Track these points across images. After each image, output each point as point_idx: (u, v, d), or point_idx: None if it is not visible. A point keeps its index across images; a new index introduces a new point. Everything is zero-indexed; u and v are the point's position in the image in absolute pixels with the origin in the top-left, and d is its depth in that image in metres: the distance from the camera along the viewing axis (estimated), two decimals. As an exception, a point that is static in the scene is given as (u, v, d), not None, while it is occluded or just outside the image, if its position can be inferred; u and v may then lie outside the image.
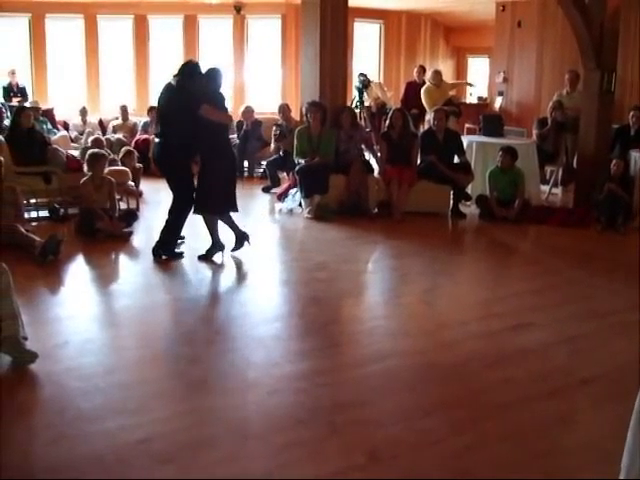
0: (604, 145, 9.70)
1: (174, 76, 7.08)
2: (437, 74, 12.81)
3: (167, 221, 7.11)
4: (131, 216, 8.18)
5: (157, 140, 7.22)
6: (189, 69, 7.10)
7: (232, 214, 7.16)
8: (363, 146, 9.81)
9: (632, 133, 10.02)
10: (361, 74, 13.77)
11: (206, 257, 7.07)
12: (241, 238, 7.22)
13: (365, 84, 13.70)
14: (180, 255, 7.13)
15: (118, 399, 4.03)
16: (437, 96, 12.29)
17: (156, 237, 7.24)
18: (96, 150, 8.42)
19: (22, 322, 4.47)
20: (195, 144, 6.95)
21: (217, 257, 7.11)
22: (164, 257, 7.03)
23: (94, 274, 6.83)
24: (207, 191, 6.97)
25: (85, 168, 8.11)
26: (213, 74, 7.00)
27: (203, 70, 7.03)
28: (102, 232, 7.59)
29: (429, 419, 3.89)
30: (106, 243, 7.49)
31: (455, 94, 13.00)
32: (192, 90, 6.86)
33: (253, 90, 15.60)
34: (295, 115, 11.42)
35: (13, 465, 3.29)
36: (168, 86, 7.08)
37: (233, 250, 7.19)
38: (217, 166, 6.95)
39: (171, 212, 7.11)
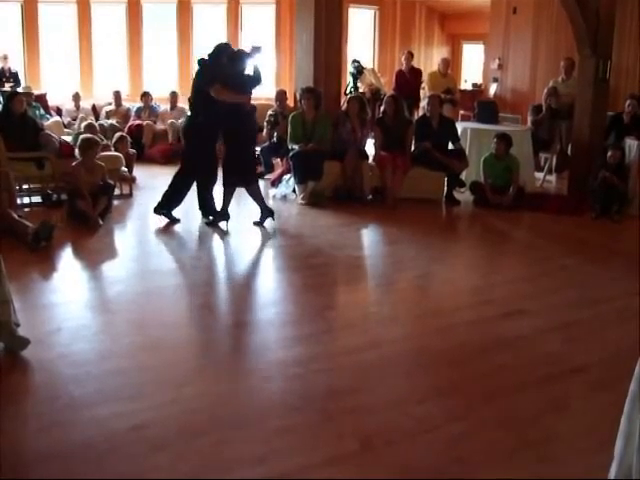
0: (599, 133, 9.67)
1: (205, 57, 7.63)
2: (445, 63, 12.76)
3: (170, 185, 7.82)
4: (107, 188, 7.98)
5: (188, 113, 8.00)
6: (216, 51, 7.57)
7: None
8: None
9: (626, 121, 10.00)
10: (354, 60, 13.73)
11: (261, 223, 7.85)
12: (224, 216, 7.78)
13: (359, 70, 13.68)
14: (177, 220, 7.83)
15: (111, 386, 4.01)
16: (439, 84, 12.24)
17: (150, 223, 7.23)
18: (89, 136, 8.35)
19: (14, 308, 4.45)
20: (220, 122, 7.47)
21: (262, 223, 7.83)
22: (163, 216, 7.77)
23: (87, 260, 6.79)
24: (241, 166, 7.60)
25: (77, 152, 8.03)
26: (235, 55, 7.56)
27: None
28: (85, 214, 7.52)
29: (423, 406, 3.89)
30: (99, 229, 7.45)
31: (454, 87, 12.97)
32: (211, 71, 7.38)
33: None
34: (290, 101, 11.38)
35: (4, 452, 3.26)
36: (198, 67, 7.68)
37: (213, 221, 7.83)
38: (243, 143, 7.58)
39: (176, 178, 7.82)
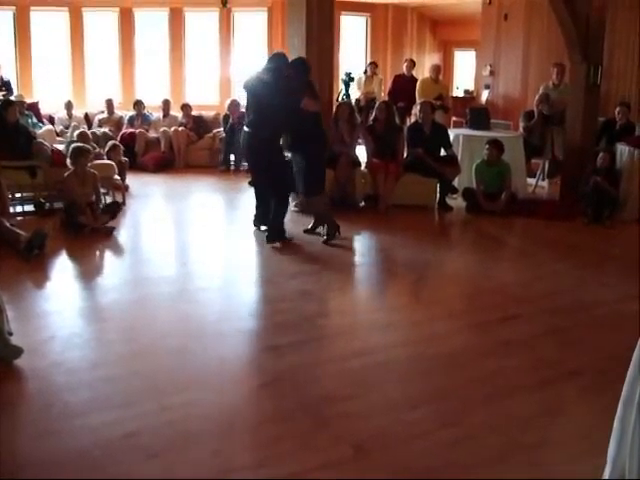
0: (590, 138, 9.72)
1: (265, 68, 7.38)
2: (437, 69, 12.79)
3: (274, 209, 7.45)
4: (115, 207, 8.09)
5: (247, 130, 7.44)
6: (279, 63, 7.37)
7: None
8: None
9: (617, 127, 10.04)
10: (347, 73, 13.90)
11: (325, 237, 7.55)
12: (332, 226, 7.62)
13: (351, 78, 13.78)
14: (289, 239, 7.54)
15: (104, 393, 4.01)
16: (431, 91, 12.27)
17: (143, 229, 7.19)
18: (80, 144, 8.31)
19: (7, 317, 4.44)
20: (293, 134, 7.48)
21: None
22: (278, 244, 7.36)
23: (80, 268, 6.79)
24: (317, 174, 7.55)
25: (68, 162, 8.01)
26: (303, 66, 7.55)
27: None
28: (85, 226, 7.53)
29: (417, 411, 3.89)
30: (92, 237, 7.45)
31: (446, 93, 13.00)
32: (289, 84, 7.25)
33: (239, 84, 15.52)
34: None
35: (-1, 460, 3.27)
36: (261, 79, 7.35)
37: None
38: (317, 151, 7.53)
39: (277, 201, 7.46)
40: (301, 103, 7.24)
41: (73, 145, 8.23)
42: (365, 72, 14.17)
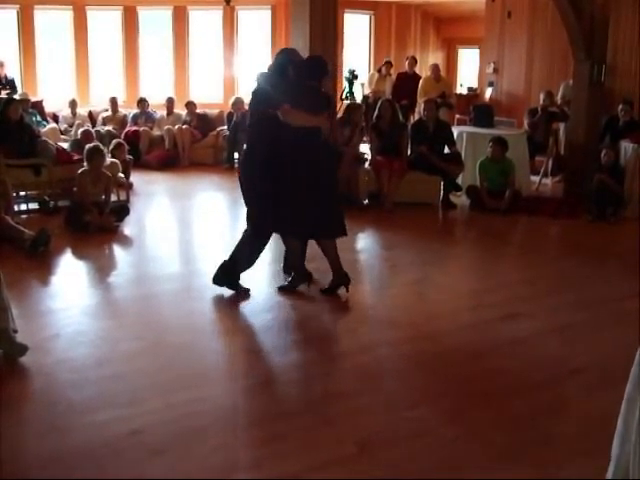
0: (594, 135, 9.72)
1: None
2: (436, 69, 12.79)
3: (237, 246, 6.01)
4: (123, 210, 8.10)
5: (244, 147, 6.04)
6: (281, 60, 5.75)
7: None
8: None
9: (621, 124, 10.03)
10: (350, 71, 13.86)
11: (331, 290, 5.97)
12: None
13: (354, 76, 13.78)
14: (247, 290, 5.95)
15: (109, 391, 4.02)
16: (433, 89, 12.26)
17: (147, 227, 7.17)
18: (96, 144, 8.28)
19: (12, 315, 4.46)
20: (288, 154, 5.68)
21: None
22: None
23: (85, 266, 6.82)
24: (322, 213, 5.96)
25: (85, 163, 7.97)
26: (304, 65, 5.82)
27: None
28: (89, 224, 7.54)
29: (420, 409, 3.90)
30: (97, 235, 7.46)
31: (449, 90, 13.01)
32: (277, 88, 5.62)
33: (243, 82, 15.55)
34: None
35: (4, 457, 3.27)
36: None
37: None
38: (322, 180, 5.85)
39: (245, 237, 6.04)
40: (278, 112, 5.44)
41: (90, 145, 8.17)
42: (379, 70, 14.17)
